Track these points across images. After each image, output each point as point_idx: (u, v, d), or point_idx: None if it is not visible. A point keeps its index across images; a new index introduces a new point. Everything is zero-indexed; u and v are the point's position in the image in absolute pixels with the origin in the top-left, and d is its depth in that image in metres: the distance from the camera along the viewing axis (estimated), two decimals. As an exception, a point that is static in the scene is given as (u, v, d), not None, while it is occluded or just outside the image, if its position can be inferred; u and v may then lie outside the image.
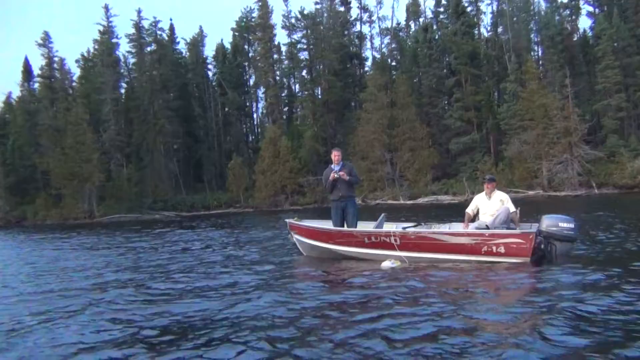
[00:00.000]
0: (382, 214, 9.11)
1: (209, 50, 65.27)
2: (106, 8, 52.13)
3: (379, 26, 56.94)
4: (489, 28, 53.44)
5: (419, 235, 7.63)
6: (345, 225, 8.65)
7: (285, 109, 57.77)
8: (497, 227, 7.42)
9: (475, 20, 51.04)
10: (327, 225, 8.99)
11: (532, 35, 50.40)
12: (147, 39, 54.32)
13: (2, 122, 54.40)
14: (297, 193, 45.40)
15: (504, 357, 3.39)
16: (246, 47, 60.12)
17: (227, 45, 59.86)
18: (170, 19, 62.53)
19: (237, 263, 8.85)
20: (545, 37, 44.84)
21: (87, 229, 27.91)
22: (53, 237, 20.59)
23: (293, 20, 54.24)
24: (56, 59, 54.46)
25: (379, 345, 3.77)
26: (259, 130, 60.47)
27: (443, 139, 45.45)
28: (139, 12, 52.52)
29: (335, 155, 8.80)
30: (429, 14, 54.35)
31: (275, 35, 53.52)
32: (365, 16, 56.59)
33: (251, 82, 60.46)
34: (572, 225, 7.12)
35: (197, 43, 59.85)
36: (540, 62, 47.64)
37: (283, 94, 57.02)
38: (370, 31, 58.09)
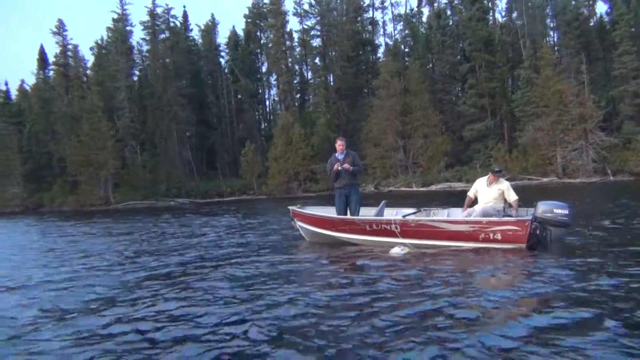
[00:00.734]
0: (383, 201, 9.34)
1: (222, 38, 65.58)
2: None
3: (392, 12, 56.79)
4: (503, 13, 52.94)
5: (419, 223, 7.87)
6: (348, 212, 8.89)
7: (298, 95, 57.82)
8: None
9: (490, 5, 50.48)
10: (329, 212, 9.22)
11: (547, 21, 49.74)
12: (160, 26, 54.54)
13: (18, 110, 55.12)
14: (310, 180, 45.54)
15: (497, 335, 3.56)
16: (258, 34, 60.14)
17: (240, 32, 60.08)
18: (184, 6, 62.95)
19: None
20: (561, 22, 44.25)
21: (108, 215, 27.97)
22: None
23: (305, 7, 54.17)
24: (70, 46, 55.07)
25: (371, 329, 3.87)
26: (272, 117, 60.56)
27: (456, 126, 45.19)
28: (153, -1, 52.75)
29: (339, 144, 8.97)
30: (443, 0, 53.91)
31: (287, 22, 53.54)
32: (377, 2, 56.41)
33: (264, 69, 60.72)
34: (566, 212, 7.32)
35: (209, 30, 59.88)
36: (556, 48, 47.05)
37: (295, 81, 57.07)
38: (383, 17, 58.06)
